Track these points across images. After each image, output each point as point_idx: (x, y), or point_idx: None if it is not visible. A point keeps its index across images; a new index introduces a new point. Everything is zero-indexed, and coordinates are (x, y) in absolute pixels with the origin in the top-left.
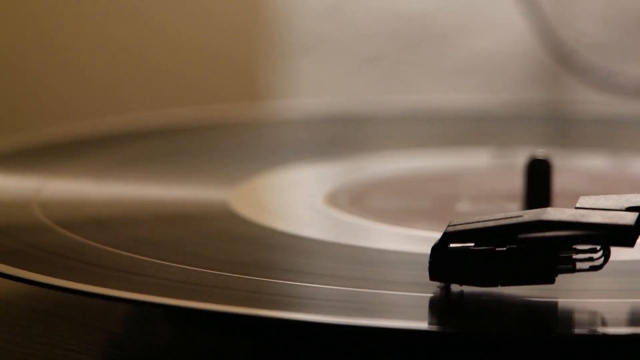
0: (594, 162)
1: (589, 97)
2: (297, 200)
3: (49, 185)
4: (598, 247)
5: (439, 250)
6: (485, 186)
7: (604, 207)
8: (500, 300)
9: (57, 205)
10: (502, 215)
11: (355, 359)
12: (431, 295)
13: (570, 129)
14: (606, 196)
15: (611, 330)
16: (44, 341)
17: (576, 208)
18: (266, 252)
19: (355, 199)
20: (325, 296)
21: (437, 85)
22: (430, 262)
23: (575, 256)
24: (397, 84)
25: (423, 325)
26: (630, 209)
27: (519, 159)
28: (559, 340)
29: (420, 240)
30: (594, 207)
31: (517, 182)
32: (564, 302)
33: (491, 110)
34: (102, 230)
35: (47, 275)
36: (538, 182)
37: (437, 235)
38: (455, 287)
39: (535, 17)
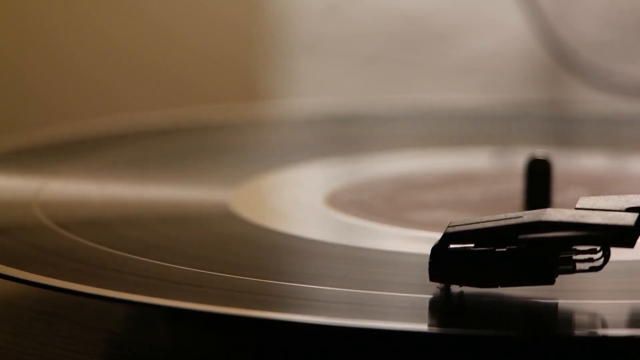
0: (594, 162)
1: (589, 97)
2: (297, 200)
3: (49, 185)
4: (598, 248)
5: (439, 250)
6: (485, 186)
7: (603, 208)
8: (500, 300)
9: (57, 206)
10: (502, 215)
11: None
12: (431, 296)
13: (570, 129)
14: (606, 196)
15: (611, 331)
16: (44, 341)
17: (576, 209)
18: (266, 252)
19: (355, 199)
20: (325, 297)
21: (437, 85)
22: (430, 263)
23: (575, 257)
24: (397, 84)
25: (423, 326)
26: (630, 210)
27: (519, 159)
28: (559, 341)
29: (420, 241)
30: (593, 207)
31: (517, 182)
32: (564, 302)
33: (491, 110)
34: (102, 230)
35: (47, 276)
36: (538, 182)
37: (437, 236)
38: (455, 288)
39: (535, 17)
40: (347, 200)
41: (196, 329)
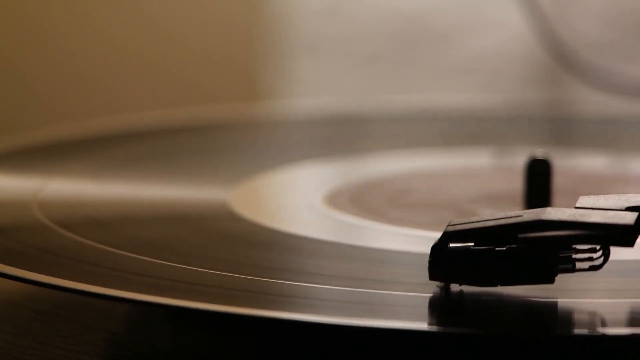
0: (594, 162)
1: (589, 97)
2: (296, 200)
3: (49, 185)
4: (598, 247)
5: (439, 249)
6: (485, 186)
7: (603, 207)
8: (500, 300)
9: (57, 205)
10: (502, 215)
11: (354, 359)
12: (431, 295)
13: (570, 129)
14: (606, 196)
15: (611, 330)
16: (44, 341)
17: (576, 208)
18: (266, 252)
19: (355, 199)
20: (325, 296)
21: (437, 85)
22: (430, 262)
23: (575, 256)
24: (397, 84)
25: (423, 325)
26: (629, 209)
27: (519, 159)
28: (559, 340)
29: (420, 240)
30: (593, 206)
31: (517, 182)
32: (563, 302)
33: (491, 110)
34: (102, 230)
35: (47, 275)
36: (538, 182)
37: (437, 235)
38: (455, 287)
39: (535, 17)
40: (346, 200)
41: (196, 328)
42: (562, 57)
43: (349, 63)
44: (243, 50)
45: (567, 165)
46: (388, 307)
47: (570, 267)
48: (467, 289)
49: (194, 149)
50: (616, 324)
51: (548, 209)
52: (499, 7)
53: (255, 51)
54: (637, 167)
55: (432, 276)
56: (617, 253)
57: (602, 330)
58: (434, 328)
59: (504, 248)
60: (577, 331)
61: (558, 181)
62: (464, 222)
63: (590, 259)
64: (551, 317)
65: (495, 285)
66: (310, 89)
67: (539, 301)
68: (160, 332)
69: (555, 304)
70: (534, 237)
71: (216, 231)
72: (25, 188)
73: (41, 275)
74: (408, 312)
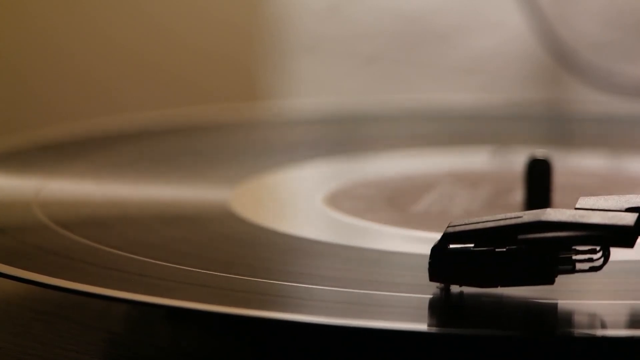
0: (594, 162)
1: (589, 97)
2: (297, 200)
3: (49, 185)
4: (598, 248)
5: (439, 251)
6: (485, 186)
7: (603, 208)
8: (500, 300)
9: (57, 205)
10: (502, 216)
11: None
12: (431, 296)
13: (570, 129)
14: (606, 197)
15: (610, 331)
16: (44, 341)
17: (576, 209)
18: (266, 252)
19: (355, 199)
20: (324, 297)
21: (437, 85)
22: (430, 263)
23: (574, 257)
24: (397, 84)
25: (423, 326)
26: (629, 210)
27: (519, 159)
28: (559, 341)
29: (420, 241)
30: (593, 207)
31: (517, 182)
32: (563, 302)
33: (491, 110)
34: (102, 230)
35: (47, 275)
36: (538, 182)
37: (437, 236)
38: (455, 288)
39: (535, 17)
40: (346, 200)
41: (196, 329)
42: (562, 57)
43: (349, 63)
44: (243, 50)
45: (567, 165)
46: (388, 308)
47: (570, 268)
48: (467, 290)
49: (194, 149)
50: (616, 325)
51: (548, 210)
52: (499, 7)
53: (255, 51)
54: (637, 167)
55: (432, 277)
56: (617, 254)
57: (601, 331)
58: (434, 329)
59: (504, 249)
60: (577, 332)
61: (558, 181)
62: (464, 223)
63: (590, 259)
64: (551, 318)
65: (496, 286)
66: (310, 89)
67: (539, 302)
68: (160, 332)
69: (555, 305)
70: (534, 238)
71: (216, 231)
72: (25, 188)
73: (41, 275)
74: (408, 313)
